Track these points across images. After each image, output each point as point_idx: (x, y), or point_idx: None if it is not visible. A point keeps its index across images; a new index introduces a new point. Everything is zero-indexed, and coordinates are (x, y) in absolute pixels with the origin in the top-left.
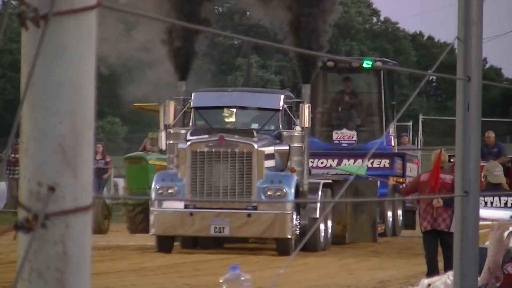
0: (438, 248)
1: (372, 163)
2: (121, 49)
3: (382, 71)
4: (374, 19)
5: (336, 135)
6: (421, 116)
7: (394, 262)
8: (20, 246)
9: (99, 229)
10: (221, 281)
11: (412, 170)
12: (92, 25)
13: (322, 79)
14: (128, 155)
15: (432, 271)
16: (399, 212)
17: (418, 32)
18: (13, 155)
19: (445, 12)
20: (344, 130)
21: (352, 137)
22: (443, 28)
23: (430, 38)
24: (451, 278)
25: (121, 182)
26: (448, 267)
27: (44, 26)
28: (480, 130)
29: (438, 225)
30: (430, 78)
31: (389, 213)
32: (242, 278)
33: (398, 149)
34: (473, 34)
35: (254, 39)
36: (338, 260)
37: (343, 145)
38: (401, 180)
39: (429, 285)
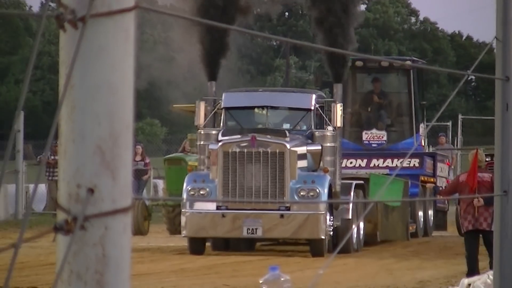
0: (479, 248)
1: (402, 163)
2: (160, 51)
3: (411, 71)
4: (413, 19)
5: (365, 135)
6: (460, 116)
7: (434, 262)
8: (59, 248)
9: (139, 231)
10: (261, 281)
11: (443, 170)
12: (130, 26)
13: (351, 79)
14: (168, 156)
15: (472, 271)
16: (430, 212)
17: (457, 32)
18: (52, 157)
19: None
20: (374, 130)
21: (382, 137)
22: (481, 28)
23: (469, 38)
24: (491, 277)
25: (160, 183)
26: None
27: (82, 28)
28: None
29: (480, 224)
30: (469, 78)
31: (420, 213)
32: (282, 279)
33: (435, 149)
34: (511, 34)
35: (290, 39)
36: (377, 260)
37: (373, 145)
38: (431, 180)
39: (469, 285)
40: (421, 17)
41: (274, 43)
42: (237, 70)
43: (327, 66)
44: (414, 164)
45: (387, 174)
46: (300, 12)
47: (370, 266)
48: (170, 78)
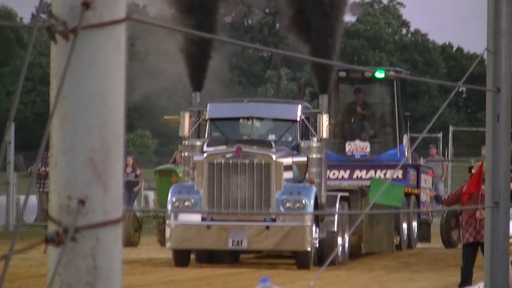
0: (475, 260)
1: (385, 174)
2: (150, 61)
3: (395, 81)
4: (404, 31)
5: (349, 146)
6: (451, 128)
7: (425, 274)
8: (50, 259)
9: (129, 242)
10: None
11: (427, 181)
12: (121, 38)
13: (334, 90)
14: (159, 167)
15: (465, 282)
16: (414, 224)
17: (448, 44)
18: (43, 169)
19: (475, 24)
20: (357, 142)
21: (365, 149)
22: (472, 39)
23: (460, 49)
24: None
25: (151, 195)
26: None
27: (73, 40)
28: (510, 141)
29: (481, 237)
30: (460, 90)
31: (404, 225)
32: None
33: (426, 160)
34: (502, 45)
35: (281, 51)
36: (368, 272)
37: (356, 156)
38: (415, 192)
39: None
40: (412, 29)
41: (265, 55)
42: (228, 81)
43: (313, 76)
44: (397, 176)
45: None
46: None
47: (361, 278)
48: (161, 89)
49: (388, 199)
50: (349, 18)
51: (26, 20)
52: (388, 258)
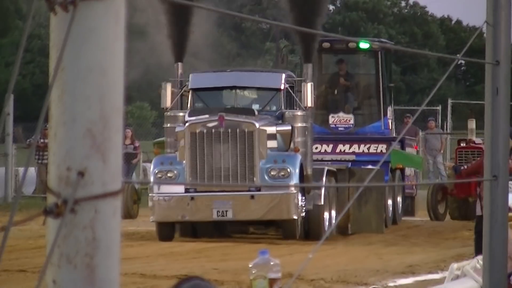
0: None
1: (368, 148)
2: (150, 33)
3: (379, 52)
4: (403, 3)
5: (332, 118)
6: (450, 100)
7: (423, 247)
8: (49, 231)
9: (128, 214)
10: (250, 265)
11: None
12: (121, 9)
13: (318, 61)
14: (157, 140)
15: (479, 251)
16: (399, 199)
17: (447, 16)
18: (42, 140)
19: None
20: (341, 114)
21: (349, 121)
22: (471, 12)
23: (459, 22)
24: (481, 262)
25: (150, 167)
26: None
27: (73, 11)
28: (509, 115)
29: None
30: (459, 63)
31: (390, 201)
32: (272, 263)
33: (425, 133)
34: (502, 18)
35: (279, 23)
36: (366, 244)
37: (340, 129)
38: (400, 166)
39: (458, 269)
40: (410, 1)
41: (264, 27)
42: (227, 53)
43: (298, 45)
44: (381, 150)
45: (353, 161)
46: None
47: (359, 251)
48: (159, 61)
49: (410, 163)
50: None
51: None
52: (386, 231)
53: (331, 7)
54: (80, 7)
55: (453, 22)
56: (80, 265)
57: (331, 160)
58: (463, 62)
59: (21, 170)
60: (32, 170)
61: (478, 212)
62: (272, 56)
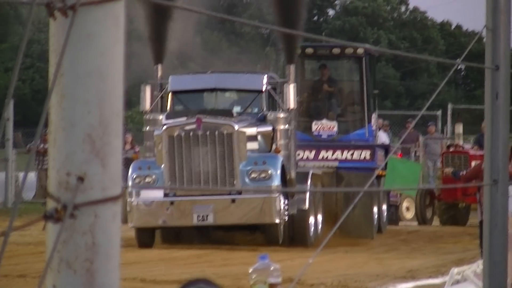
0: None
1: (352, 154)
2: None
3: (363, 59)
4: (403, 8)
5: (315, 126)
6: (450, 105)
7: (423, 251)
8: (49, 236)
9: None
10: (250, 270)
11: None
12: (120, 14)
13: (300, 66)
14: None
15: None
16: (384, 207)
17: (446, 21)
18: (42, 146)
19: (474, 1)
20: (324, 121)
21: (333, 128)
22: (471, 17)
23: (458, 27)
24: (481, 266)
25: None
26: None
27: (72, 16)
28: (508, 119)
29: None
30: (459, 67)
31: (375, 209)
32: (272, 268)
33: (425, 138)
34: (501, 22)
35: (275, 27)
36: (367, 249)
37: (323, 136)
38: (383, 173)
39: (459, 273)
40: (410, 6)
41: (264, 32)
42: (227, 58)
43: (282, 46)
44: (365, 157)
45: (336, 168)
46: None
47: (359, 255)
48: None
49: (403, 182)
50: None
51: None
52: (386, 236)
53: (331, 12)
54: (79, 12)
55: (453, 27)
56: (80, 270)
57: (313, 167)
58: (463, 67)
59: (21, 175)
60: (32, 175)
61: (480, 217)
62: (272, 61)
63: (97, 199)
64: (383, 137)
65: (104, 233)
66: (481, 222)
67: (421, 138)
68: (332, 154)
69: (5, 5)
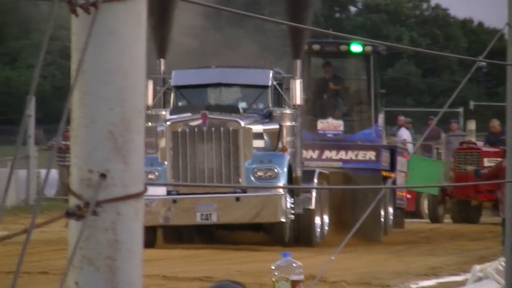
0: None
1: (356, 155)
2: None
3: (371, 56)
4: (424, 5)
5: (321, 124)
6: (471, 102)
7: (445, 249)
8: (71, 233)
9: None
10: (272, 267)
11: (402, 164)
12: (142, 11)
13: (306, 64)
14: None
15: None
16: (390, 210)
17: (468, 18)
18: (63, 142)
19: None
20: (330, 120)
21: (339, 127)
22: (493, 14)
23: (480, 24)
24: (503, 264)
25: None
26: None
27: (94, 13)
28: None
29: None
30: (480, 65)
31: (382, 212)
32: (294, 265)
33: (447, 135)
34: None
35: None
36: (387, 246)
37: (329, 135)
38: (392, 175)
39: (481, 271)
40: (432, 3)
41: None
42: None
43: (288, 41)
44: (370, 157)
45: (340, 168)
46: None
47: (381, 253)
48: (178, 62)
49: (425, 181)
50: None
51: None
52: (407, 233)
53: (353, 9)
54: (101, 9)
55: (474, 24)
56: (102, 267)
57: (317, 167)
58: (484, 64)
59: (42, 172)
60: (53, 172)
61: (502, 215)
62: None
63: (119, 196)
64: (404, 135)
65: (126, 230)
66: (503, 220)
67: (443, 135)
68: (336, 154)
69: (27, 1)
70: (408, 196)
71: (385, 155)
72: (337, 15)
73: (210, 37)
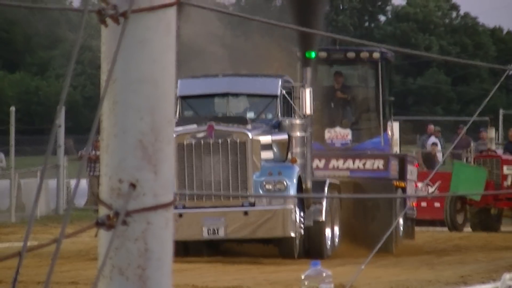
0: None
1: (364, 164)
2: (199, 44)
3: (379, 63)
4: (454, 14)
5: (328, 134)
6: (501, 111)
7: (475, 257)
8: (101, 243)
9: None
10: (302, 277)
11: (412, 173)
12: (172, 21)
13: (313, 71)
14: None
15: None
16: (400, 220)
17: (498, 27)
18: (93, 152)
19: None
20: (338, 129)
21: (347, 136)
22: None
23: (510, 32)
24: None
25: None
26: None
27: (124, 23)
28: None
29: None
30: (510, 73)
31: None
32: (324, 274)
33: (477, 144)
34: None
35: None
36: (418, 255)
37: (336, 145)
38: (402, 185)
39: (511, 279)
40: (462, 12)
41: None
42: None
43: (298, 48)
44: (378, 166)
45: (348, 177)
46: (341, 7)
47: (411, 261)
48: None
49: (469, 188)
50: (398, 1)
51: (76, 3)
52: (438, 241)
53: (382, 18)
54: (131, 19)
55: (504, 32)
56: (132, 277)
57: (327, 177)
58: None
59: (72, 182)
60: (83, 182)
61: None
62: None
63: (149, 205)
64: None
65: (156, 239)
66: None
67: (472, 144)
68: (343, 163)
69: (56, 11)
70: (423, 204)
71: (394, 164)
72: (366, 24)
73: (234, 44)
